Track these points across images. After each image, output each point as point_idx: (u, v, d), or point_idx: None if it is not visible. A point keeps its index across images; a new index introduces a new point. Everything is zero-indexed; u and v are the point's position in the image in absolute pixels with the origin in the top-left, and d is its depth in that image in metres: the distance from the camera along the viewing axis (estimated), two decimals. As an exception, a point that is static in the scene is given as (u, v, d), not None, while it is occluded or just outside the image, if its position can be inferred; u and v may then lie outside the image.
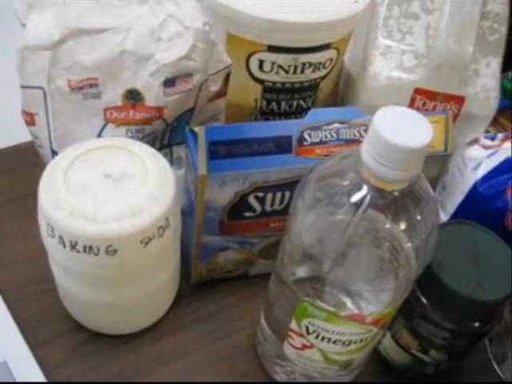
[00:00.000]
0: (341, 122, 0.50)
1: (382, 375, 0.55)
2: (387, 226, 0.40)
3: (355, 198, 0.39)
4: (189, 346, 0.54)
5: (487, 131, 0.76)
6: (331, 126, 0.50)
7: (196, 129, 0.47)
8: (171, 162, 0.59)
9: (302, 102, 0.63)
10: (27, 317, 0.54)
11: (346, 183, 0.40)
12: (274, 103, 0.62)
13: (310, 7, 0.57)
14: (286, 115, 0.63)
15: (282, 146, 0.49)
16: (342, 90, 0.72)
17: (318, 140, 0.49)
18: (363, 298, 0.43)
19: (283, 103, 0.62)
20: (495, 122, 0.77)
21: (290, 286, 0.44)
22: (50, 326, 0.54)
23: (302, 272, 0.43)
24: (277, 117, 0.64)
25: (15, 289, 0.55)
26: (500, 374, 0.56)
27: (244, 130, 0.48)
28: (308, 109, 0.64)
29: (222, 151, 0.48)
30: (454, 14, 0.57)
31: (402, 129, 0.37)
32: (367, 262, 0.41)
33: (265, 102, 0.62)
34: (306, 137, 0.49)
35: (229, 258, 0.56)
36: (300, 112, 0.64)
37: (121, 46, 0.52)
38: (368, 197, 0.39)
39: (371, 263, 0.41)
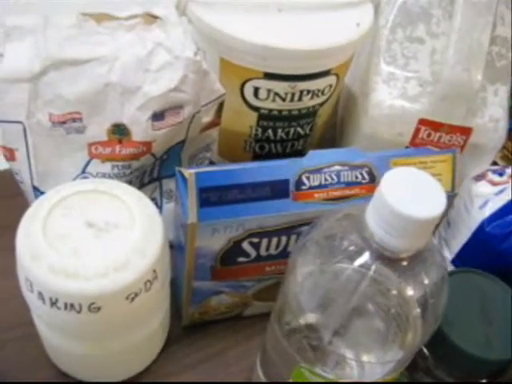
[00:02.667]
0: (341, 164, 0.46)
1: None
2: (394, 292, 0.37)
3: (359, 264, 0.36)
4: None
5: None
6: (332, 169, 0.46)
7: (186, 173, 0.44)
8: (161, 196, 0.56)
9: (299, 129, 0.60)
10: (8, 363, 0.51)
11: (349, 247, 0.37)
12: (269, 130, 0.59)
13: (308, 33, 0.54)
14: (283, 142, 0.60)
15: (278, 190, 0.45)
16: (341, 111, 0.69)
17: (317, 183, 0.46)
18: (365, 366, 0.40)
19: (280, 130, 0.59)
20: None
21: (287, 348, 0.41)
22: (34, 374, 0.51)
23: (299, 339, 0.40)
24: (272, 144, 0.60)
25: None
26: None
27: (238, 174, 0.45)
28: (306, 136, 0.61)
29: (214, 198, 0.44)
30: (461, 40, 0.54)
31: (412, 196, 0.33)
32: (372, 332, 0.38)
33: (260, 130, 0.59)
34: (305, 180, 0.46)
35: (222, 302, 0.53)
36: (297, 139, 0.61)
37: (106, 78, 0.48)
38: (373, 265, 0.36)
39: (377, 333, 0.38)
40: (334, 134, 0.70)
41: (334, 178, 0.46)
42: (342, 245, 0.37)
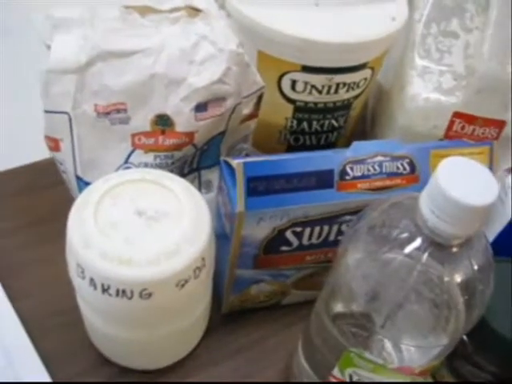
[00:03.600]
0: (383, 155, 0.47)
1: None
2: (445, 278, 0.38)
3: (411, 251, 0.37)
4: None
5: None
6: (374, 159, 0.47)
7: (233, 163, 0.45)
8: (199, 186, 0.57)
9: (333, 122, 0.60)
10: (52, 350, 0.52)
11: (400, 235, 0.38)
12: (305, 122, 0.60)
13: (346, 26, 0.55)
14: (317, 134, 0.61)
15: (323, 180, 0.46)
16: (372, 104, 0.70)
17: (360, 174, 0.47)
18: (412, 352, 0.41)
19: (315, 123, 0.60)
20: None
21: (335, 335, 0.42)
22: (76, 360, 0.52)
23: (346, 326, 0.41)
24: (307, 136, 0.61)
25: (38, 320, 0.53)
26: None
27: (284, 165, 0.46)
28: (340, 128, 0.62)
29: (261, 187, 0.45)
30: (497, 34, 0.55)
31: (466, 184, 0.34)
32: (422, 318, 0.39)
33: (295, 122, 0.60)
34: (349, 170, 0.47)
35: (262, 290, 0.54)
36: (332, 131, 0.61)
37: (151, 69, 0.49)
38: (426, 250, 0.36)
39: (426, 319, 0.39)
40: (364, 127, 0.71)
41: (377, 168, 0.47)
42: (393, 233, 0.38)
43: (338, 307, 0.42)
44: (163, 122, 0.51)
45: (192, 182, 0.57)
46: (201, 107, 0.51)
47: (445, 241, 0.36)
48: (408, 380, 0.42)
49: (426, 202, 0.35)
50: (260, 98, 0.55)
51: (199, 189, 0.57)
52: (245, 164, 0.45)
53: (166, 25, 0.51)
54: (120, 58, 0.49)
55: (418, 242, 0.37)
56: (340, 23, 0.55)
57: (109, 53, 0.49)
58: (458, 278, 0.38)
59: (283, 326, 0.55)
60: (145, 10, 0.52)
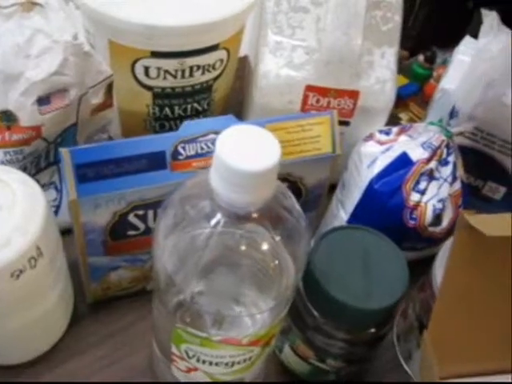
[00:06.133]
0: (216, 133, 0.48)
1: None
2: (243, 247, 0.39)
3: (210, 221, 0.37)
4: (85, 371, 0.52)
5: (400, 119, 0.75)
6: (207, 138, 0.48)
7: (62, 151, 0.45)
8: (60, 179, 0.57)
9: (196, 105, 0.61)
10: None
11: (202, 206, 0.38)
12: (167, 108, 0.60)
13: (191, 9, 0.55)
14: (182, 119, 0.61)
15: (155, 162, 0.47)
16: (245, 84, 0.70)
17: (193, 153, 0.47)
18: (236, 322, 0.42)
19: (176, 108, 0.60)
20: (406, 109, 0.75)
21: (164, 312, 0.43)
22: None
23: (170, 297, 0.41)
24: (172, 122, 0.61)
25: None
26: (408, 371, 0.55)
27: (113, 149, 0.46)
28: (205, 111, 0.62)
29: (91, 173, 0.45)
30: (339, 6, 0.55)
31: (246, 151, 0.35)
32: (235, 286, 0.40)
33: (157, 108, 0.60)
34: (181, 150, 0.47)
35: (123, 276, 0.54)
36: (196, 115, 0.62)
37: (-14, 67, 0.49)
38: (223, 223, 0.37)
39: (238, 286, 0.40)
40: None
41: (210, 146, 0.48)
42: (196, 209, 0.39)
43: (158, 278, 0.42)
44: (7, 117, 0.51)
45: (52, 175, 0.57)
46: (43, 100, 0.51)
47: (241, 210, 0.36)
48: (239, 351, 0.42)
49: (213, 175, 0.36)
50: (110, 86, 0.55)
51: (60, 182, 0.57)
52: (72, 152, 0.45)
53: (-1, 21, 0.51)
54: (-47, 57, 0.49)
55: (215, 214, 0.37)
56: (187, 7, 0.55)
57: None
58: (264, 244, 0.39)
59: (149, 312, 0.55)
60: (-19, 7, 0.52)
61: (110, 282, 0.54)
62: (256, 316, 0.41)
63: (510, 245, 0.42)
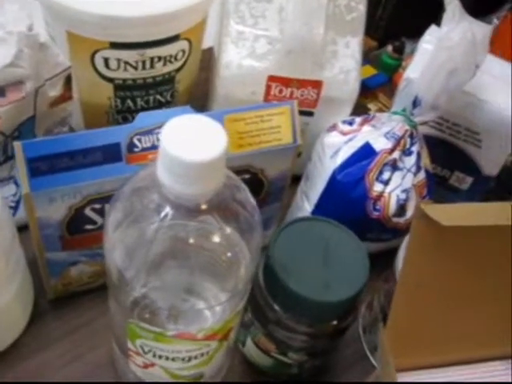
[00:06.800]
0: (172, 124, 0.47)
1: (251, 377, 0.53)
2: (193, 240, 0.38)
3: (159, 214, 0.37)
4: (47, 368, 0.51)
5: (368, 109, 0.74)
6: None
7: (15, 145, 0.44)
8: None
9: (159, 97, 0.60)
10: None
11: (151, 199, 0.37)
12: (128, 100, 0.59)
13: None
14: (144, 111, 0.60)
15: (110, 154, 0.46)
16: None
17: (149, 145, 0.47)
18: (191, 315, 0.41)
19: (139, 100, 0.59)
20: (375, 99, 0.75)
21: (118, 307, 0.42)
22: None
23: (122, 293, 0.41)
24: (135, 114, 0.60)
25: None
26: (374, 362, 0.55)
27: (67, 142, 0.45)
28: (168, 103, 0.61)
29: (44, 167, 0.44)
30: (299, -5, 0.54)
31: (191, 142, 0.34)
32: (186, 279, 0.39)
33: (119, 100, 0.59)
34: (136, 142, 0.47)
35: (83, 271, 0.53)
36: (159, 107, 0.61)
37: None
38: (170, 213, 0.36)
39: (190, 279, 0.39)
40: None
41: (167, 138, 0.47)
42: (145, 202, 0.38)
43: (114, 279, 0.41)
44: (-37, 111, 0.50)
45: (11, 169, 0.56)
46: (-2, 93, 0.50)
47: (188, 202, 0.36)
48: (194, 346, 0.42)
49: (159, 167, 0.35)
50: (69, 79, 0.54)
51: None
52: (24, 145, 0.44)
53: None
54: None
55: (163, 207, 0.36)
56: (146, -3, 0.54)
57: None
58: (215, 236, 0.39)
59: (111, 307, 0.55)
60: None
61: (71, 277, 0.53)
62: (211, 309, 0.41)
63: (467, 235, 0.42)
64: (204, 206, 0.36)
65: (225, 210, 0.38)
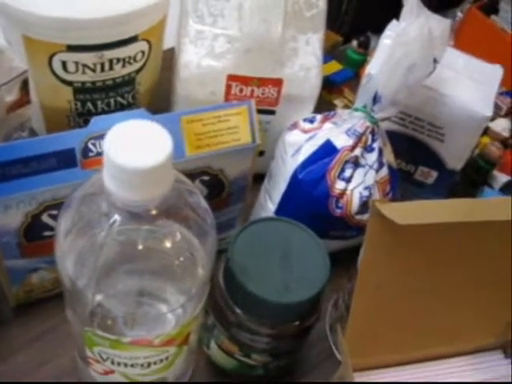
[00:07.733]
0: (127, 128, 0.46)
1: (217, 379, 0.53)
2: (143, 246, 0.38)
3: (108, 220, 0.36)
4: (9, 376, 0.51)
5: (334, 105, 0.74)
6: (118, 133, 0.46)
7: (-35, 152, 0.43)
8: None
9: (120, 99, 0.59)
10: None
11: (99, 205, 0.37)
12: (89, 103, 0.59)
13: (105, 0, 0.53)
14: (106, 114, 0.60)
15: (65, 160, 0.45)
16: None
17: (105, 149, 0.46)
18: (148, 321, 0.41)
19: (99, 102, 0.59)
20: (341, 95, 0.75)
21: (74, 315, 0.42)
22: None
23: (75, 301, 0.40)
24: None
25: None
26: (341, 360, 0.55)
27: (21, 149, 0.44)
28: (130, 105, 0.61)
29: (-3, 175, 0.44)
30: (257, -7, 0.54)
31: (135, 148, 0.34)
32: (138, 285, 0.39)
33: (79, 104, 0.58)
34: (91, 147, 0.46)
35: (44, 278, 0.52)
36: (122, 109, 0.60)
37: None
38: (118, 219, 0.36)
39: (143, 284, 0.39)
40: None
41: (122, 141, 0.46)
42: (94, 208, 0.38)
43: (67, 287, 0.41)
44: None
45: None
46: (-49, 99, 0.49)
47: (135, 208, 0.35)
48: (152, 352, 0.41)
49: (105, 174, 0.35)
50: (25, 83, 0.53)
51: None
52: (-26, 152, 0.44)
53: None
54: None
55: (111, 213, 0.36)
56: (102, -1, 0.54)
57: None
58: (166, 242, 0.38)
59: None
60: None
61: (32, 284, 0.52)
62: (169, 313, 0.41)
63: (423, 233, 0.42)
64: (154, 212, 0.36)
65: (176, 215, 0.38)
